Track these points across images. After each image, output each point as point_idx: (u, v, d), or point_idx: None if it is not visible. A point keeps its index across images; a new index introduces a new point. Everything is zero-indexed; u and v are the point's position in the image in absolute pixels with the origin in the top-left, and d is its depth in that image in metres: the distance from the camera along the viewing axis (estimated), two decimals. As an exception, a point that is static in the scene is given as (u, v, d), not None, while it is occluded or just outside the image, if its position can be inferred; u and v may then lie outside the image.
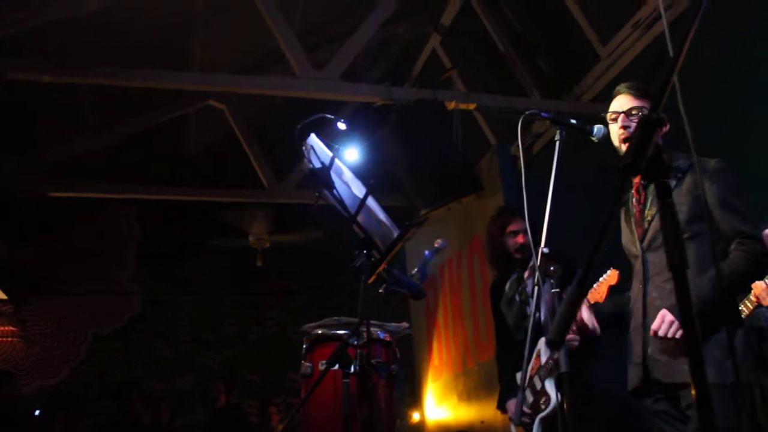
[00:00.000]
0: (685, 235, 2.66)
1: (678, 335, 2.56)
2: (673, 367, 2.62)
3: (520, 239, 4.11)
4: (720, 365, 2.51)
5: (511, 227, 4.18)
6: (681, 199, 2.70)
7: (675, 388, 2.64)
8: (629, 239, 2.91)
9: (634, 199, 2.89)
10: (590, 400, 3.56)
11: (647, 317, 2.73)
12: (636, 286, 2.85)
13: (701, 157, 2.75)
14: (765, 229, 3.56)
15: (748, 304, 3.43)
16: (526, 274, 4.06)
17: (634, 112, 2.82)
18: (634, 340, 2.81)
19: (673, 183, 2.72)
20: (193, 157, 8.51)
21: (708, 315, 2.52)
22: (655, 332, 2.62)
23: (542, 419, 3.55)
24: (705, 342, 2.54)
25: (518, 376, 3.68)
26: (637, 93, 2.86)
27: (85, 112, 6.92)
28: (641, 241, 2.83)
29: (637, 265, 2.85)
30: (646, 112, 2.80)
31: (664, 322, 2.61)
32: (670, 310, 2.62)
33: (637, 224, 2.85)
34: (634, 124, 2.81)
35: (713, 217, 2.69)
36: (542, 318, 3.23)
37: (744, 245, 2.65)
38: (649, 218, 2.81)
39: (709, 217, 2.69)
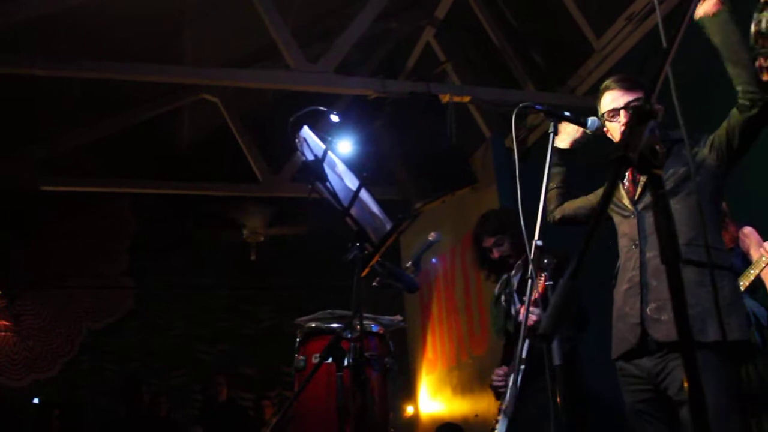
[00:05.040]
0: (681, 194, 2.67)
1: None
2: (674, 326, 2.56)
3: (495, 255, 4.04)
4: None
5: (485, 243, 4.09)
6: (672, 162, 2.71)
7: (674, 347, 2.55)
8: (618, 199, 2.84)
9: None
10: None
11: (645, 275, 2.67)
12: (626, 245, 2.79)
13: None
14: (745, 225, 3.59)
15: (751, 272, 3.41)
16: (512, 273, 4.00)
17: (633, 105, 2.78)
18: (627, 300, 2.73)
19: (665, 148, 2.70)
20: (186, 151, 8.48)
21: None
22: None
23: (506, 412, 3.52)
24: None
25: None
26: (628, 85, 2.83)
27: (77, 106, 6.89)
28: (636, 201, 2.76)
29: (628, 224, 2.79)
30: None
31: None
32: None
33: (630, 184, 2.80)
34: None
35: (711, 175, 2.69)
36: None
37: None
38: (644, 181, 2.75)
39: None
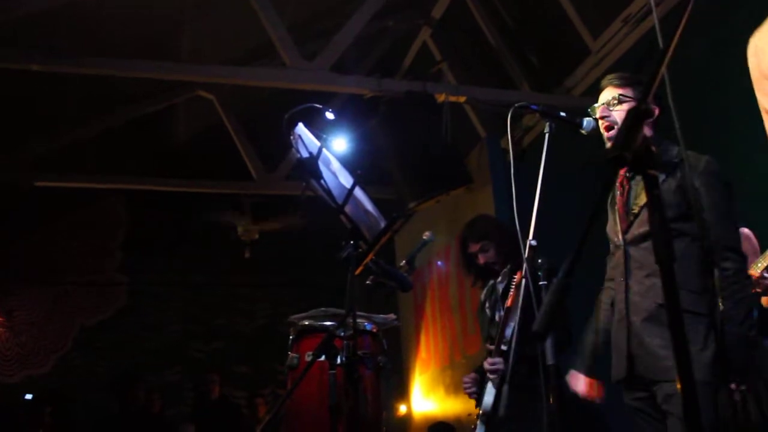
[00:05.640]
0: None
1: None
2: (656, 363, 2.60)
3: (480, 261, 4.01)
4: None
5: (470, 249, 4.01)
6: (669, 196, 2.63)
7: (657, 383, 2.62)
8: (612, 228, 2.86)
9: (617, 190, 2.84)
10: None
11: (629, 312, 2.70)
12: (617, 278, 2.81)
13: (692, 152, 2.70)
14: (743, 227, 3.59)
15: None
16: (498, 280, 3.98)
17: (614, 102, 2.81)
18: (617, 334, 2.78)
19: (662, 177, 2.67)
20: (181, 148, 8.46)
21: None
22: None
23: (482, 419, 3.51)
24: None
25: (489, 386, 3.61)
26: (619, 82, 2.85)
27: (73, 102, 6.86)
28: (624, 233, 2.77)
29: (618, 256, 2.81)
30: (625, 99, 2.79)
31: None
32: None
33: (621, 215, 2.80)
34: (614, 113, 2.80)
35: (702, 216, 2.62)
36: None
37: (730, 268, 2.58)
38: (635, 210, 2.75)
39: (698, 217, 2.62)
